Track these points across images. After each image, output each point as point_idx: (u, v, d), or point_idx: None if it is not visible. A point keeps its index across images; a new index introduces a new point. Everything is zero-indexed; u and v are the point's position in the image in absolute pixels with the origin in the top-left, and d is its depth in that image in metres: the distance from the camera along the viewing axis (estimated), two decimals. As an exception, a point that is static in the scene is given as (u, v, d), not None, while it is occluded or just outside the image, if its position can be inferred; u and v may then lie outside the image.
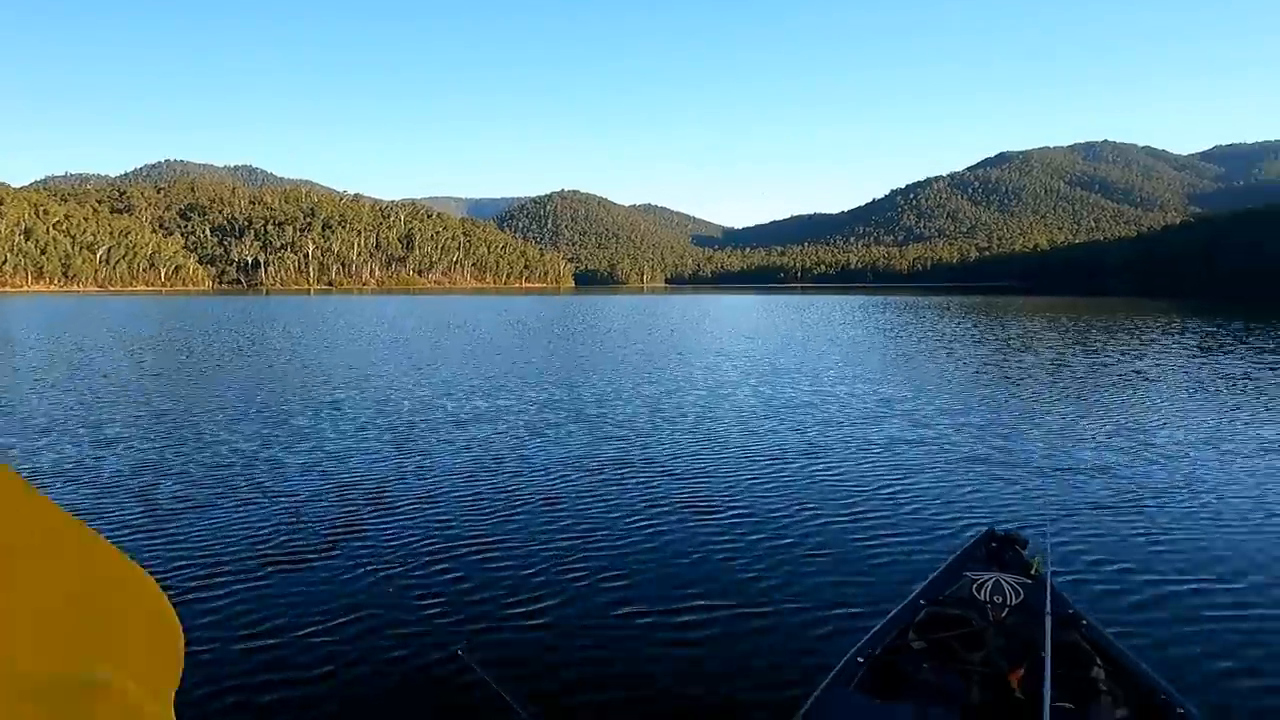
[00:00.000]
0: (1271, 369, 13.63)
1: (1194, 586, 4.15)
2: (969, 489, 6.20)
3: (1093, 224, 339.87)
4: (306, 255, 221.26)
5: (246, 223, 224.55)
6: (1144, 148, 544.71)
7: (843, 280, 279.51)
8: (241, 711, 2.83)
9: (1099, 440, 7.96)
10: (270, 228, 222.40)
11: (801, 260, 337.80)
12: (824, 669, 2.27)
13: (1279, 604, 3.95)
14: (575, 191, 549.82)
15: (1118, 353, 16.91)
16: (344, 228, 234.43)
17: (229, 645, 3.38)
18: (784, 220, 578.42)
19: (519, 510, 5.58)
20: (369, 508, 5.62)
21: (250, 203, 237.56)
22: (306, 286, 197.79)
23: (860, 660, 2.30)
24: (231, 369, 14.68)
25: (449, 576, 4.32)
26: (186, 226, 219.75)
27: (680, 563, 4.59)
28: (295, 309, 49.43)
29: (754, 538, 5.03)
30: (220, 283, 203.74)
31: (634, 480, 6.48)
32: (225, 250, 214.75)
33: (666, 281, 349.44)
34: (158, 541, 4.90)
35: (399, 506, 5.68)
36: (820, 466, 6.97)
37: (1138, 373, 13.32)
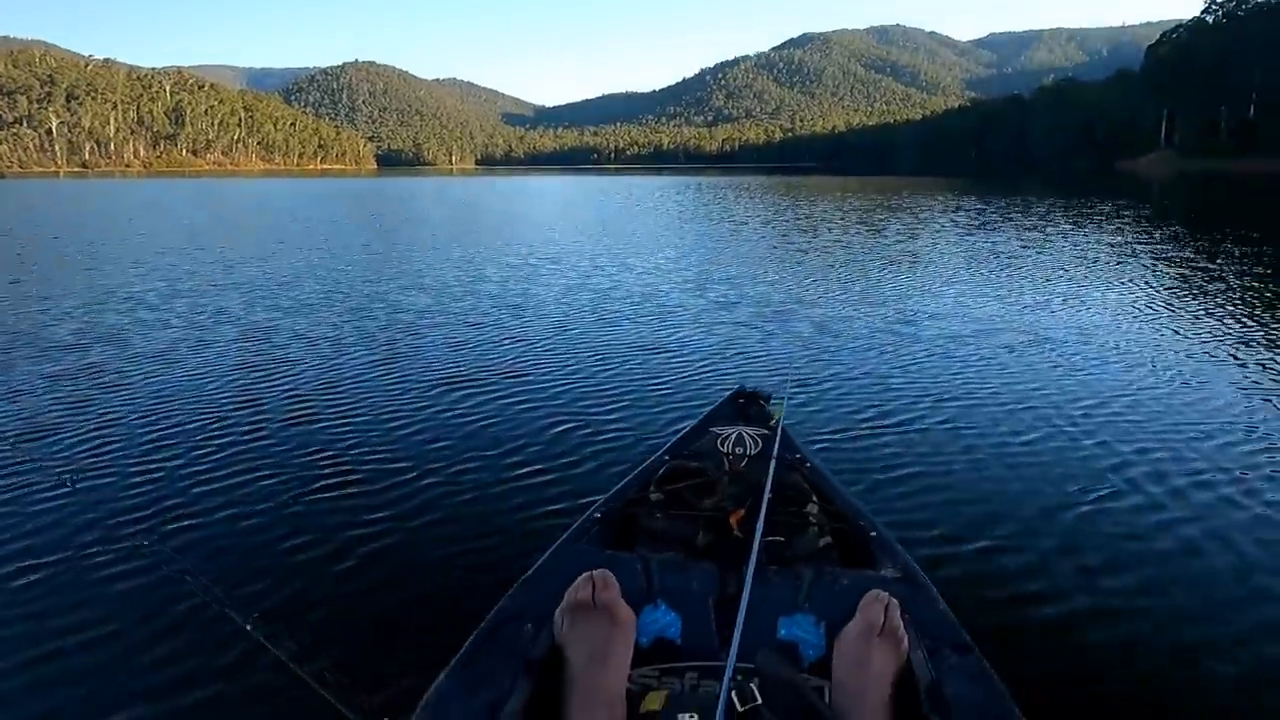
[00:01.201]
0: (1033, 247, 14.17)
1: (908, 430, 4.56)
2: (729, 357, 6.32)
3: (885, 106, 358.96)
4: (50, 131, 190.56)
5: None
6: (930, 33, 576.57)
7: (656, 161, 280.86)
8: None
9: (858, 309, 8.34)
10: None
11: (615, 141, 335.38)
12: (566, 529, 2.37)
13: (978, 440, 4.40)
14: (371, 63, 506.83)
15: (895, 232, 17.29)
16: (94, 99, 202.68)
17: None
18: (597, 98, 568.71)
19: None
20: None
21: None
22: (55, 168, 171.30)
23: (597, 516, 2.39)
24: None
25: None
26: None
27: (407, 436, 4.42)
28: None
29: (499, 416, 4.81)
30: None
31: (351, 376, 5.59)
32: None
33: (477, 162, 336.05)
34: None
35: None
36: (571, 343, 6.71)
37: (912, 252, 13.51)
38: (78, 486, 3.81)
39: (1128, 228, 17.72)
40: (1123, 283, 10.01)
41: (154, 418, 4.89)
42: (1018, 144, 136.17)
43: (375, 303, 8.90)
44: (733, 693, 1.32)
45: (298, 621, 2.63)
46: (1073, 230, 17.04)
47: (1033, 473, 3.95)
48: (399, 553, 3.12)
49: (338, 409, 4.95)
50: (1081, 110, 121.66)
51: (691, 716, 1.33)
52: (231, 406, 5.07)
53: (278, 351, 6.61)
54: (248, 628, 1.29)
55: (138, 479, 3.91)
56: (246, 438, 4.48)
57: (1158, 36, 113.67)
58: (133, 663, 2.47)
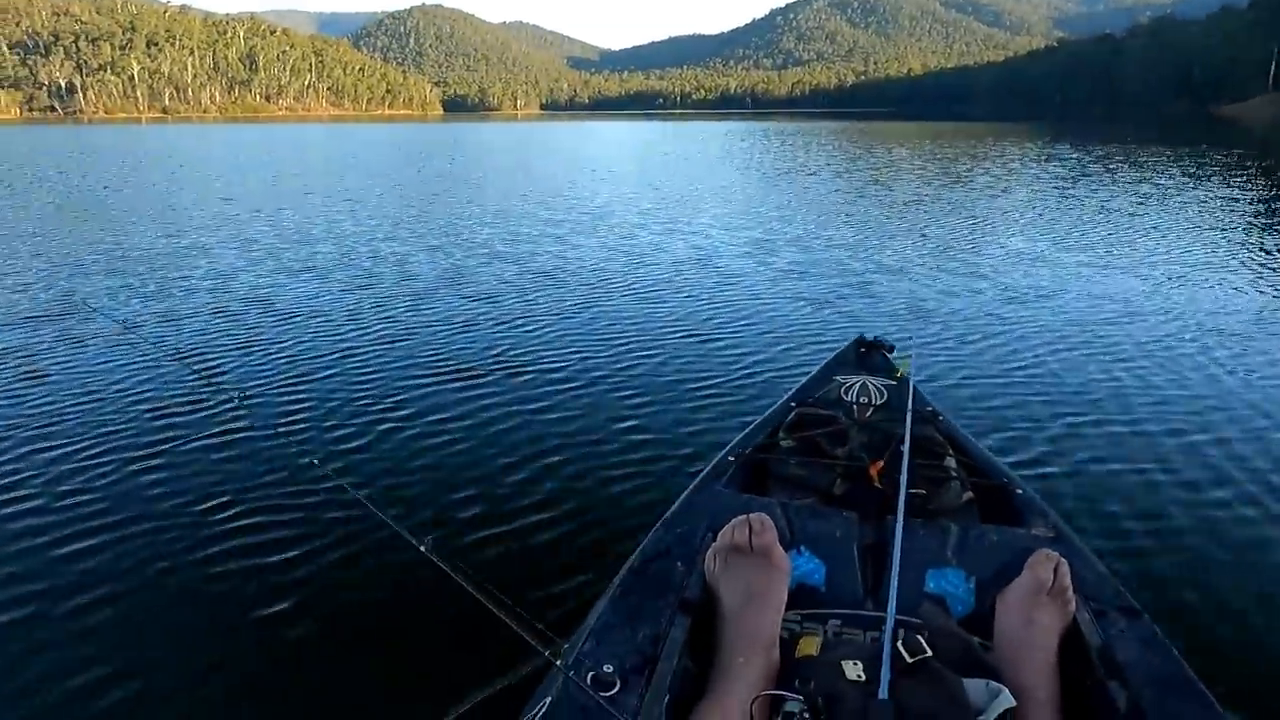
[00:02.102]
0: (1150, 205, 12.82)
1: (1041, 389, 4.48)
2: (840, 304, 6.44)
3: (964, 48, 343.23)
4: (132, 77, 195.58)
5: (53, 38, 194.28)
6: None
7: (722, 106, 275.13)
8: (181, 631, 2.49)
9: (967, 260, 8.21)
10: (83, 44, 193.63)
11: (680, 85, 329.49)
12: (699, 471, 2.40)
13: (1113, 396, 4.38)
14: (439, 6, 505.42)
15: (987, 185, 16.06)
16: (173, 45, 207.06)
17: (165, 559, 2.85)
18: (664, 41, 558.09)
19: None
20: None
21: (54, 14, 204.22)
22: (137, 114, 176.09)
23: (731, 459, 2.39)
24: None
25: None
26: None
27: (551, 382, 4.61)
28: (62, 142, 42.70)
29: (628, 359, 5.03)
30: (30, 110, 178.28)
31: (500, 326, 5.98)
32: (31, 72, 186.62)
33: (542, 107, 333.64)
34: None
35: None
36: (691, 293, 6.84)
37: (1011, 209, 12.42)
38: (247, 403, 4.26)
39: (1263, 183, 15.89)
40: None
41: (315, 343, 5.43)
42: (1105, 88, 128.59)
43: (515, 251, 9.05)
44: (898, 642, 1.33)
45: (459, 545, 2.87)
46: (1191, 185, 15.36)
47: (1185, 440, 3.77)
48: (543, 486, 3.35)
49: (485, 344, 5.34)
50: (1179, 51, 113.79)
51: (856, 664, 1.31)
52: (387, 339, 5.52)
53: (445, 288, 7.10)
54: (421, 549, 1.47)
55: (303, 401, 4.32)
56: (400, 374, 4.79)
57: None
58: (307, 575, 2.70)
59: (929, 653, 1.33)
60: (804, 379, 3.03)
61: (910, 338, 4.71)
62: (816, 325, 5.82)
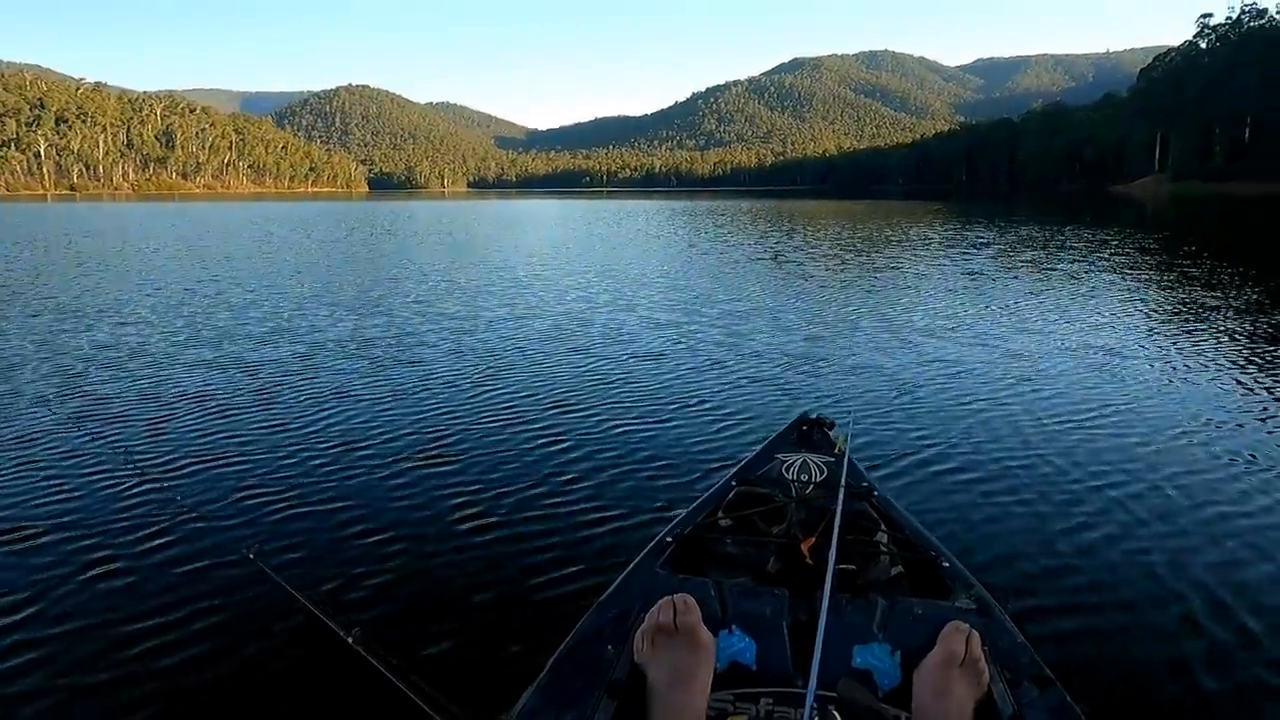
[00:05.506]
0: (1075, 283, 13.04)
1: (974, 461, 4.52)
2: (780, 383, 6.42)
3: (874, 130, 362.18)
4: (39, 154, 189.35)
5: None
6: (919, 58, 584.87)
7: (647, 184, 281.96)
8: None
9: (898, 334, 8.41)
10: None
11: (606, 164, 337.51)
12: (638, 551, 2.41)
13: (1035, 472, 4.36)
14: (365, 87, 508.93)
15: (905, 258, 16.36)
16: (84, 122, 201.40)
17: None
18: (589, 122, 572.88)
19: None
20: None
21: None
22: (42, 191, 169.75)
23: (669, 540, 2.40)
24: None
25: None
26: None
27: (492, 461, 4.55)
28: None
29: (572, 441, 4.92)
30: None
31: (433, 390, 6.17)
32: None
33: (469, 185, 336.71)
34: None
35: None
36: (637, 372, 6.79)
37: (924, 276, 12.61)
38: (185, 501, 4.00)
39: (1159, 256, 16.54)
40: (1194, 327, 8.83)
41: (246, 425, 5.24)
42: (1007, 167, 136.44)
43: (457, 331, 8.79)
44: (814, 718, 1.33)
45: (388, 630, 2.80)
46: (1097, 261, 15.89)
47: (1104, 506, 3.85)
48: (481, 569, 3.29)
49: (420, 430, 5.12)
50: (1071, 133, 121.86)
51: None
52: (326, 424, 5.29)
53: (387, 382, 6.56)
54: (343, 635, 1.46)
55: (234, 490, 4.15)
56: (334, 452, 4.67)
57: (1144, 61, 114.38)
58: (223, 659, 2.66)
59: None
60: (746, 458, 3.06)
61: (850, 413, 4.77)
62: (761, 402, 5.82)
